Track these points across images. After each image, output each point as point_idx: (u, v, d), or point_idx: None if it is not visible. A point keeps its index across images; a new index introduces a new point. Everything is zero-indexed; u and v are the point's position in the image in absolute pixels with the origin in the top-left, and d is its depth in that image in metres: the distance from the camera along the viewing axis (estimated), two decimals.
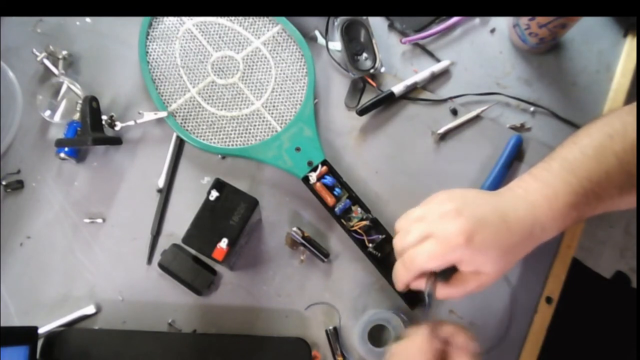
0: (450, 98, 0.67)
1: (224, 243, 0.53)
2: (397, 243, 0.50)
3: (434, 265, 0.47)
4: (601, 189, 0.49)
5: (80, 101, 0.63)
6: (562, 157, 0.50)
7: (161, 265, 0.60)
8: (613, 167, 0.48)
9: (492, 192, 0.51)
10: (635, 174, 0.49)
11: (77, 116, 0.63)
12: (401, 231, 0.50)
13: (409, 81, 0.66)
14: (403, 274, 0.49)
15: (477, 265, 0.47)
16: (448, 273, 0.49)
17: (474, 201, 0.49)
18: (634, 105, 0.53)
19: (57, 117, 0.64)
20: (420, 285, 0.50)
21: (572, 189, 0.48)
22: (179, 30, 0.66)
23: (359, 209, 0.60)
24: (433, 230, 0.47)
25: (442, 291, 0.49)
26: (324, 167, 0.61)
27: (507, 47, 0.69)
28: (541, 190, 0.49)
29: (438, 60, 0.68)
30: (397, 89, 0.65)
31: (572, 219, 0.49)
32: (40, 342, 0.56)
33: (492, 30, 0.69)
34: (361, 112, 0.65)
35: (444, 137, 0.66)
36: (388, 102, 0.66)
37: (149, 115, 0.63)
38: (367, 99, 0.66)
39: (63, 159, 0.63)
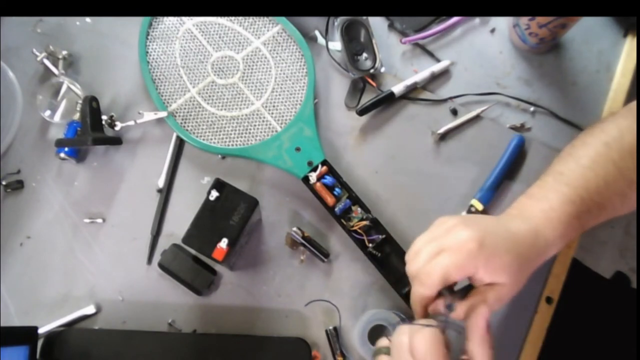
0: (450, 98, 0.67)
1: (224, 243, 0.53)
2: (410, 268, 0.48)
3: (452, 276, 0.45)
4: (602, 197, 0.48)
5: (80, 101, 0.63)
6: (557, 172, 0.51)
7: (161, 265, 0.60)
8: (611, 175, 0.48)
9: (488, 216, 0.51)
10: (635, 180, 0.49)
11: (77, 116, 0.63)
12: (411, 258, 0.49)
13: (409, 81, 0.66)
14: (421, 292, 0.47)
15: (492, 274, 0.45)
16: (463, 292, 0.49)
17: (475, 218, 0.49)
18: (630, 107, 0.53)
19: (57, 117, 0.64)
20: (439, 307, 0.48)
21: (568, 199, 0.48)
22: (179, 30, 0.66)
23: (359, 209, 0.60)
24: (443, 244, 0.46)
25: (463, 309, 0.47)
26: (324, 167, 0.61)
27: (507, 47, 0.69)
28: (536, 205, 0.49)
29: (438, 60, 0.68)
30: (397, 89, 0.65)
31: (575, 228, 0.48)
32: (40, 342, 0.56)
33: (492, 30, 0.69)
34: (361, 112, 0.65)
35: (444, 137, 0.66)
36: (388, 102, 0.66)
37: (149, 115, 0.63)
38: (367, 99, 0.66)
39: (63, 159, 0.63)
